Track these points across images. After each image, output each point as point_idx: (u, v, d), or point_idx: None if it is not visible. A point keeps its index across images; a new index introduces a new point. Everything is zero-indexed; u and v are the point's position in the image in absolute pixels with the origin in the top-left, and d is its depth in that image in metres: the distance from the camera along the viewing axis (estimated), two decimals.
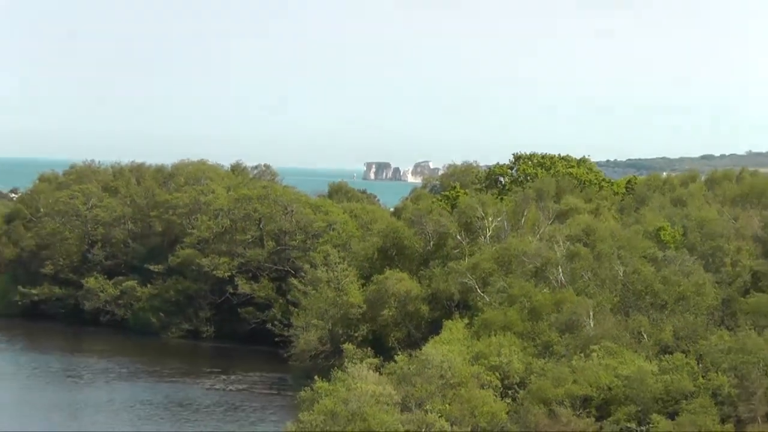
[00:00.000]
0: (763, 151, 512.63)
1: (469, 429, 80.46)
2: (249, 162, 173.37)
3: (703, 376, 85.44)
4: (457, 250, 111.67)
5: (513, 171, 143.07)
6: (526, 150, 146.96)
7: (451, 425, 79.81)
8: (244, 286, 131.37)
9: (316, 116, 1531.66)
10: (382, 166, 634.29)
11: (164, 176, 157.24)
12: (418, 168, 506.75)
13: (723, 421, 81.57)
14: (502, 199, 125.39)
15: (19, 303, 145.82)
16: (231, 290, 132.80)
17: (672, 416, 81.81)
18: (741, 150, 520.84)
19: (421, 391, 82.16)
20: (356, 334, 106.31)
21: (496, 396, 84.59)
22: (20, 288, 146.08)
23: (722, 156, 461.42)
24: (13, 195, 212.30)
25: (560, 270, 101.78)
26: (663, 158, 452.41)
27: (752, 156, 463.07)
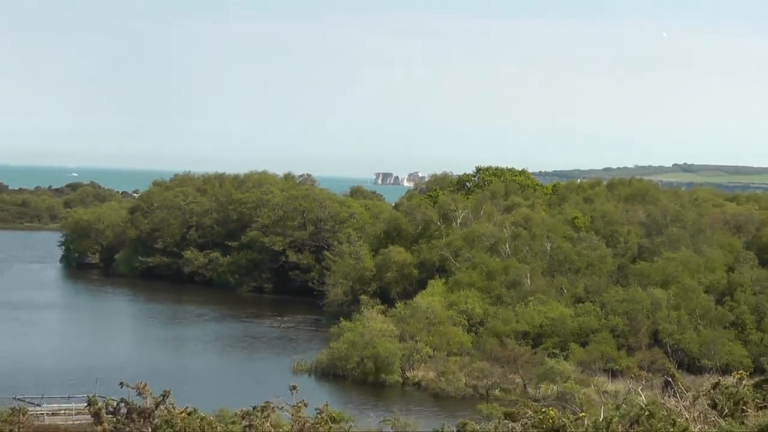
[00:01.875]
0: (645, 165, 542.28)
1: (445, 353, 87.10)
2: (296, 172, 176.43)
3: (604, 318, 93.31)
4: (437, 232, 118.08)
5: (475, 178, 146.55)
6: (485, 164, 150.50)
7: (433, 350, 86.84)
8: (292, 256, 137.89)
9: (340, 139, 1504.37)
10: (386, 175, 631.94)
11: (238, 182, 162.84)
12: (411, 176, 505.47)
13: (618, 348, 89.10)
14: (467, 197, 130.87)
15: (139, 268, 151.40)
16: (284, 259, 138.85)
17: (584, 345, 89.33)
18: (631, 164, 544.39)
19: (413, 327, 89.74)
20: (369, 289, 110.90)
21: (463, 331, 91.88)
22: (139, 257, 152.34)
23: (618, 168, 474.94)
24: (135, 194, 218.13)
25: (507, 246, 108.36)
26: (577, 170, 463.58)
27: (639, 168, 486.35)
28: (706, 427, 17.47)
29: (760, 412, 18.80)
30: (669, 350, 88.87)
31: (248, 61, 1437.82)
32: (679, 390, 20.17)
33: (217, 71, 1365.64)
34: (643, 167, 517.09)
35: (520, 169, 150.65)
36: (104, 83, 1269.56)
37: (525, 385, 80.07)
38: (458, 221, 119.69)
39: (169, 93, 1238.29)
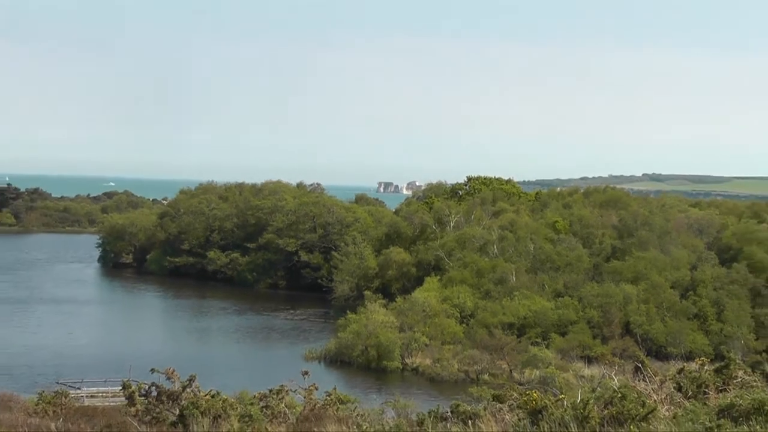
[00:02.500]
0: (618, 174, 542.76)
1: (440, 342, 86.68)
2: (306, 180, 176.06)
3: (581, 311, 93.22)
4: (433, 235, 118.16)
5: (466, 187, 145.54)
6: (475, 174, 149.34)
7: (429, 340, 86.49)
8: (304, 256, 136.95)
9: (346, 151, 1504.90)
10: (387, 184, 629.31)
11: (256, 190, 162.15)
12: (410, 185, 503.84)
13: (594, 337, 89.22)
14: (460, 204, 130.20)
15: (167, 267, 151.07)
16: (296, 259, 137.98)
17: (563, 334, 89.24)
18: (605, 173, 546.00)
19: (411, 319, 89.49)
20: (372, 285, 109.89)
21: (456, 322, 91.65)
22: (168, 258, 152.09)
23: (593, 177, 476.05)
24: (164, 201, 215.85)
25: (495, 247, 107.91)
26: (557, 179, 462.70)
27: (612, 177, 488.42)
28: (672, 407, 17.47)
29: (720, 394, 18.79)
30: (639, 339, 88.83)
31: (262, 80, 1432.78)
32: (648, 375, 20.19)
33: (236, 89, 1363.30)
34: (616, 176, 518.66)
35: (506, 179, 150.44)
36: (139, 100, 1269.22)
37: (511, 370, 79.97)
38: (451, 225, 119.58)
39: (196, 110, 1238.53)
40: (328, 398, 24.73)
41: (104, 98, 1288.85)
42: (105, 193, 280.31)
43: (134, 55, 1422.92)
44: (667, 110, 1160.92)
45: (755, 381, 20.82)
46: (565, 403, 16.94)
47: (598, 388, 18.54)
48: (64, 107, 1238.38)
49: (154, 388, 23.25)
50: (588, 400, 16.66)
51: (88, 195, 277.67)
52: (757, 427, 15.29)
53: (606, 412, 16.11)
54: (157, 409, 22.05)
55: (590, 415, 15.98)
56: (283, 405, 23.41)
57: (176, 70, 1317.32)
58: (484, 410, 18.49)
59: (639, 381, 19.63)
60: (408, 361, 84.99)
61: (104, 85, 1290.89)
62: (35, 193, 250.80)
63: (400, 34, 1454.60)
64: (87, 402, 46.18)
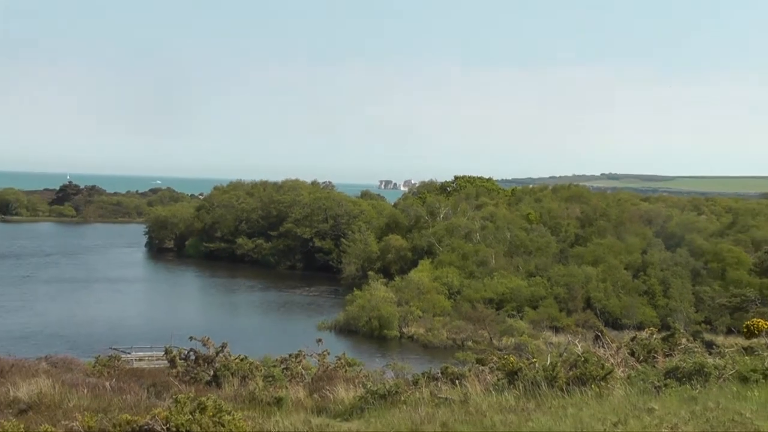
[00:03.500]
0: (580, 173, 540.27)
1: (431, 314, 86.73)
2: (320, 179, 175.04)
3: (550, 288, 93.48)
4: (425, 224, 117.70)
5: (454, 184, 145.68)
6: (461, 173, 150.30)
7: (423, 312, 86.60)
8: (318, 242, 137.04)
9: (352, 153, 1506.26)
10: (387, 182, 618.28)
11: (277, 187, 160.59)
12: (406, 183, 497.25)
13: (560, 311, 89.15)
14: (448, 198, 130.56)
15: (202, 251, 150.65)
16: (311, 244, 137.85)
17: (534, 308, 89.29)
18: (570, 173, 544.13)
19: (407, 295, 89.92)
20: (374, 267, 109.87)
21: (445, 298, 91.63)
22: (203, 243, 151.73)
23: (560, 176, 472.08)
24: (200, 196, 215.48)
25: (477, 234, 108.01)
26: (529, 177, 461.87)
27: (575, 176, 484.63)
28: (626, 369, 17.51)
29: (666, 358, 18.88)
30: (598, 312, 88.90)
31: (281, 97, 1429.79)
32: (606, 342, 20.21)
33: (258, 105, 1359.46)
34: (578, 176, 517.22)
35: (487, 177, 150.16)
36: (182, 113, 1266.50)
37: (491, 338, 79.85)
38: (441, 216, 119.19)
39: (225, 122, 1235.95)
40: (338, 362, 24.75)
41: (153, 110, 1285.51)
42: (151, 190, 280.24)
43: (178, 77, 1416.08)
44: (622, 120, 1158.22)
45: (696, 347, 20.91)
46: (536, 365, 16.99)
47: (564, 353, 18.53)
48: (118, 117, 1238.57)
49: (192, 352, 23.29)
50: (556, 363, 16.71)
51: (137, 191, 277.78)
52: (698, 386, 15.35)
53: (571, 373, 16.15)
54: (195, 371, 22.08)
55: (558, 376, 16.05)
56: (300, 367, 23.43)
57: (207, 92, 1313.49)
58: (469, 372, 18.51)
59: (598, 347, 19.64)
60: (405, 330, 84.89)
61: (153, 99, 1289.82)
62: (92, 190, 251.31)
63: (396, 56, 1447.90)
64: (136, 365, 46.15)
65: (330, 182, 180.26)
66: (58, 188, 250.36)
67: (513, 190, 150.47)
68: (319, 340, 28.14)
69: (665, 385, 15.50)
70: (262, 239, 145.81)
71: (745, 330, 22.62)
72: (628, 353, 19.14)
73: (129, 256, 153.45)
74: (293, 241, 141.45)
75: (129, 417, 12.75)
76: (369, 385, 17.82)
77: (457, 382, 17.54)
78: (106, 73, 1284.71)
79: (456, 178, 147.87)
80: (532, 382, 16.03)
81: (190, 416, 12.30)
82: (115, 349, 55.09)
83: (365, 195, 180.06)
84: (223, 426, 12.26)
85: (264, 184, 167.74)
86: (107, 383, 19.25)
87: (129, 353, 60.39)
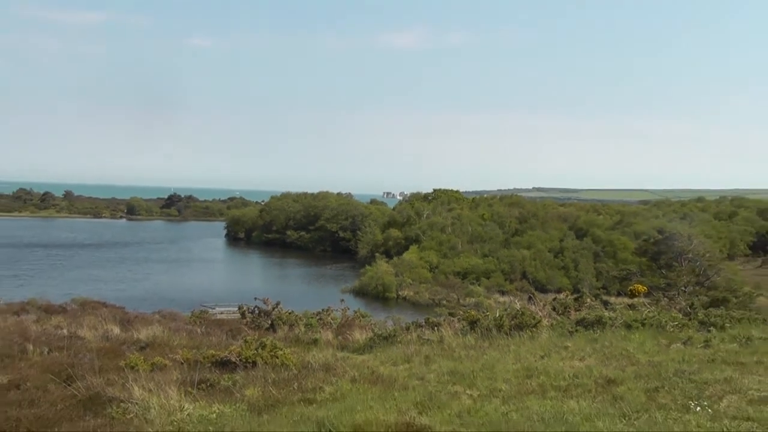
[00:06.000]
0: (519, 187, 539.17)
1: (418, 282, 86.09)
2: (342, 191, 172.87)
3: (498, 265, 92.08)
4: (414, 221, 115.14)
5: (433, 194, 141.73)
6: (438, 186, 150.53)
7: (412, 281, 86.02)
8: (342, 234, 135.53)
9: (362, 169, 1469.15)
10: (388, 192, 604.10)
11: (313, 196, 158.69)
12: (401, 193, 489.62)
13: (505, 280, 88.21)
14: (429, 203, 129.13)
15: (263, 240, 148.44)
16: (337, 235, 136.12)
17: (488, 278, 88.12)
18: (511, 186, 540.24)
19: (402, 269, 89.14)
20: (380, 250, 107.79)
21: (427, 271, 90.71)
22: (264, 235, 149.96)
23: (507, 188, 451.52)
24: (262, 202, 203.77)
25: (449, 228, 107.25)
26: (484, 190, 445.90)
27: (515, 189, 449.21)
28: (550, 320, 17.46)
29: (576, 312, 18.70)
30: (531, 281, 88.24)
31: (319, 134, 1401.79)
32: (536, 301, 20.20)
33: (302, 136, 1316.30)
34: (517, 188, 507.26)
35: (455, 189, 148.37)
36: (261, 137, 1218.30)
37: (458, 298, 79.18)
38: (424, 216, 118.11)
39: (283, 149, 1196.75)
40: (355, 314, 24.71)
41: (238, 137, 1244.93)
42: (230, 198, 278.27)
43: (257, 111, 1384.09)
44: (546, 149, 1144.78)
45: (596, 305, 21.38)
46: (489, 317, 16.89)
47: (508, 309, 18.57)
48: (209, 147, 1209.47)
49: (256, 308, 23.26)
50: (502, 315, 16.71)
51: (220, 199, 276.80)
52: (598, 331, 15.27)
53: (512, 322, 16.15)
54: (258, 321, 22.05)
55: (503, 324, 15.89)
56: (329, 318, 23.39)
57: (272, 129, 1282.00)
58: (444, 321, 18.49)
59: (531, 305, 19.66)
60: (400, 293, 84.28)
61: (233, 134, 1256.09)
62: (189, 198, 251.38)
63: (393, 94, 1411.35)
64: (218, 317, 45.91)
65: (350, 193, 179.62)
66: (166, 197, 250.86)
67: (473, 198, 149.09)
68: (342, 300, 28.24)
69: (576, 330, 15.55)
70: (304, 232, 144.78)
71: (629, 293, 22.67)
72: (551, 309, 19.04)
73: (213, 244, 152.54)
74: (325, 233, 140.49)
75: (213, 352, 12.80)
76: (376, 330, 17.87)
77: (435, 328, 17.49)
78: (203, 116, 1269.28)
79: (435, 190, 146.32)
80: (486, 328, 15.88)
81: (255, 351, 12.39)
82: (204, 305, 54.80)
83: (373, 202, 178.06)
84: (277, 358, 12.31)
85: (305, 195, 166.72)
86: (199, 329, 19.32)
87: (214, 308, 60.02)
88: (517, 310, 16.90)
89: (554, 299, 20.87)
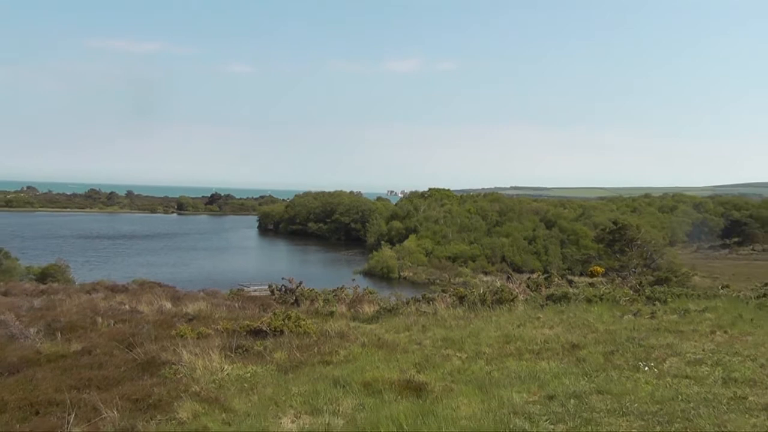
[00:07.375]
0: (500, 186, 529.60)
1: (416, 264, 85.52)
2: (354, 190, 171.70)
3: (482, 251, 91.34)
4: (413, 215, 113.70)
5: (428, 192, 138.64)
6: (433, 185, 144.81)
7: (411, 263, 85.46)
8: (354, 225, 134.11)
9: (370, 171, 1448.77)
10: (391, 191, 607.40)
11: (330, 194, 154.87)
12: (402, 192, 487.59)
13: (488, 263, 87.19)
14: (425, 200, 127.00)
15: (289, 230, 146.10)
16: (351, 226, 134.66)
17: (474, 261, 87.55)
18: (492, 185, 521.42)
19: (403, 254, 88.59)
20: (384, 239, 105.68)
21: (424, 255, 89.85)
22: (290, 226, 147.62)
23: (489, 187, 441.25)
24: (288, 199, 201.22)
25: (442, 220, 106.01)
26: (471, 188, 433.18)
27: (496, 187, 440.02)
28: (524, 296, 17.42)
29: (546, 289, 18.57)
30: (509, 263, 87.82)
31: (332, 142, 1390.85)
32: (513, 280, 20.19)
33: (320, 142, 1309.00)
34: (498, 187, 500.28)
35: (446, 188, 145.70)
36: (285, 146, 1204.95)
37: (449, 278, 77.31)
38: (421, 211, 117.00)
39: (303, 155, 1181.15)
40: (365, 291, 24.65)
41: (267, 147, 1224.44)
42: (261, 196, 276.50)
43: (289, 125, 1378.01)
44: (521, 154, 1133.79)
45: (563, 283, 21.22)
46: (474, 293, 16.78)
47: (490, 286, 18.51)
48: (245, 154, 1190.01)
49: (283, 287, 23.22)
50: (485, 292, 16.68)
51: (253, 197, 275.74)
52: (564, 304, 15.30)
53: (494, 297, 16.13)
54: (285, 297, 22.04)
55: (486, 299, 15.81)
56: (343, 294, 23.35)
57: (299, 135, 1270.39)
58: (437, 296, 18.47)
59: (509, 283, 19.62)
60: (402, 274, 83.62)
61: (269, 143, 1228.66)
62: (228, 197, 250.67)
63: (396, 110, 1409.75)
64: (252, 294, 45.90)
65: (360, 191, 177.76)
66: (209, 195, 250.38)
67: (461, 195, 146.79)
68: (353, 280, 28.07)
69: (546, 304, 15.47)
70: (322, 224, 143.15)
71: (589, 273, 22.55)
72: (526, 286, 18.97)
73: (248, 234, 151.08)
74: (339, 224, 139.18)
75: (248, 322, 12.84)
76: (381, 304, 17.86)
77: (430, 302, 17.47)
78: (238, 130, 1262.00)
79: (430, 189, 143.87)
80: (472, 303, 15.78)
81: (282, 321, 12.42)
82: (240, 284, 54.53)
83: (379, 199, 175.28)
84: (300, 327, 12.34)
85: (323, 193, 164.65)
86: (236, 304, 19.35)
87: (248, 287, 59.80)
88: (498, 288, 16.89)
89: (528, 278, 20.86)
